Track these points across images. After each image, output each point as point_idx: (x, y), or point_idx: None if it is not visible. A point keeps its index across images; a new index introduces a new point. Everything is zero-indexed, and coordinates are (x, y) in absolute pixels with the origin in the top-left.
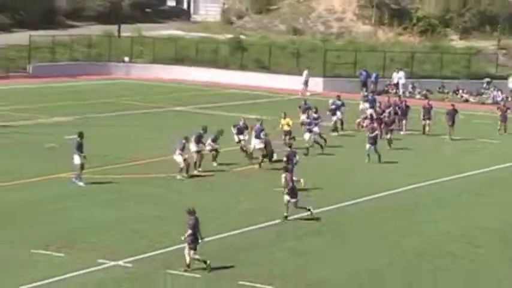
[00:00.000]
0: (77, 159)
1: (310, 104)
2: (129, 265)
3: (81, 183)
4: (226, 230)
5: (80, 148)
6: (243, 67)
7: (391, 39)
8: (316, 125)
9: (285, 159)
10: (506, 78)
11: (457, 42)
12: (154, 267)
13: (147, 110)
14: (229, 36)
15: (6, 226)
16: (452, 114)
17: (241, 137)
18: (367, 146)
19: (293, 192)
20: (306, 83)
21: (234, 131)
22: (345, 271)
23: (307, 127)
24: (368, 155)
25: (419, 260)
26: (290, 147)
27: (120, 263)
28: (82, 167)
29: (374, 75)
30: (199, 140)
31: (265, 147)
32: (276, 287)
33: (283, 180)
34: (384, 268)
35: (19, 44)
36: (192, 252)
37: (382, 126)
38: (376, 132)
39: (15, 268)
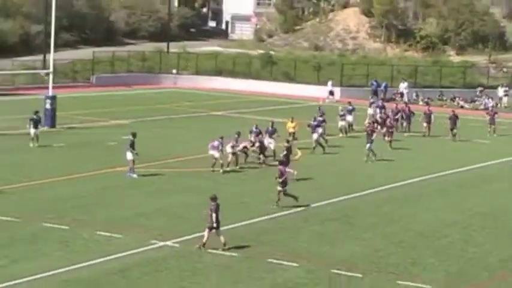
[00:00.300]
0: (129, 156)
1: (323, 110)
2: (176, 245)
3: (134, 175)
4: (259, 215)
5: (132, 146)
6: (272, 78)
7: (397, 54)
8: (320, 126)
9: (284, 153)
10: (495, 87)
11: (454, 57)
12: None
13: (192, 115)
14: (261, 52)
15: (74, 211)
16: (454, 119)
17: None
18: (367, 145)
19: (284, 182)
20: (331, 92)
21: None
22: (362, 250)
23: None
24: (368, 154)
25: (424, 239)
26: (288, 142)
27: (168, 243)
28: (133, 162)
29: (383, 85)
30: (236, 141)
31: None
32: (300, 265)
33: (278, 171)
34: (394, 246)
35: (84, 59)
36: (207, 232)
37: (384, 129)
38: (374, 133)
39: (82, 246)
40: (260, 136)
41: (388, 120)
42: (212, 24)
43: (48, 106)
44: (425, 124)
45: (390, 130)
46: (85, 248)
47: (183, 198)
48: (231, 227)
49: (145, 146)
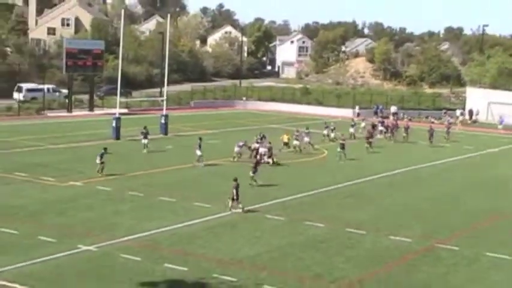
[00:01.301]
0: (198, 152)
1: (330, 125)
2: (244, 212)
3: (201, 164)
4: (299, 192)
5: (200, 146)
6: (308, 103)
7: (391, 87)
8: (307, 135)
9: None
10: (454, 109)
11: (427, 90)
12: (259, 213)
13: (255, 127)
14: (300, 85)
15: (179, 189)
16: (431, 131)
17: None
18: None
19: (255, 168)
20: (357, 114)
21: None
22: (366, 216)
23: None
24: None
25: (407, 209)
26: (270, 143)
27: (239, 210)
28: (201, 156)
29: (381, 107)
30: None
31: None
32: (325, 225)
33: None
34: (387, 214)
35: (186, 90)
36: (230, 202)
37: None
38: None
39: (184, 212)
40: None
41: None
42: (269, 67)
43: (162, 121)
44: (404, 134)
45: (369, 140)
46: (186, 213)
47: (242, 181)
48: (281, 200)
49: (224, 145)
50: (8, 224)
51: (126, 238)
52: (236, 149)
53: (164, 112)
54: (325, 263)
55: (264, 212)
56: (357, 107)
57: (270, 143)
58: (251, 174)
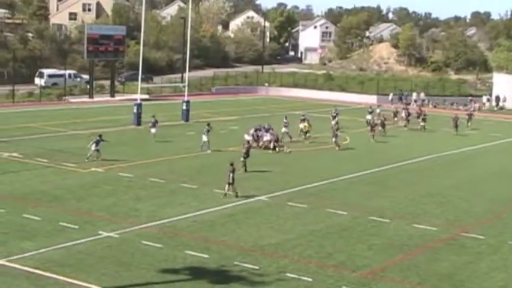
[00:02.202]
0: (204, 138)
1: (338, 111)
2: (267, 199)
3: (208, 151)
4: (321, 180)
5: (208, 132)
6: (330, 89)
7: (415, 74)
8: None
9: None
10: (480, 96)
11: (452, 76)
12: (281, 200)
13: (277, 113)
14: (323, 72)
15: (201, 176)
16: (456, 119)
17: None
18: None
19: (246, 153)
20: (391, 100)
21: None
22: (389, 204)
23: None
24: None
25: (430, 197)
26: (270, 128)
27: (262, 198)
28: (208, 142)
29: (405, 94)
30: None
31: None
32: (348, 213)
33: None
34: (410, 202)
35: (207, 76)
36: (227, 186)
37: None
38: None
39: (205, 198)
40: (261, 132)
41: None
42: (291, 53)
43: (184, 107)
44: (422, 124)
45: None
46: (207, 200)
47: (269, 167)
48: (303, 188)
49: (245, 131)
50: (31, 210)
51: (147, 225)
52: (246, 136)
53: (185, 98)
54: (347, 251)
55: (286, 200)
56: (391, 94)
57: (272, 129)
58: (242, 159)
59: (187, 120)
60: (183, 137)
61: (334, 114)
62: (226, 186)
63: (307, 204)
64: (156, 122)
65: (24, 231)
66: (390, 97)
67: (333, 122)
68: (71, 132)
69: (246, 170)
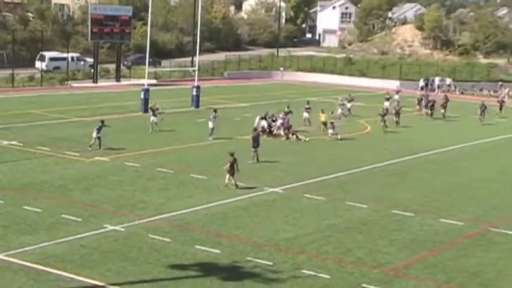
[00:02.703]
0: (210, 124)
1: (391, 95)
2: (282, 191)
3: (210, 138)
4: (341, 171)
5: (215, 118)
6: (350, 74)
7: (441, 58)
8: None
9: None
10: None
11: (482, 60)
12: (297, 192)
13: (293, 99)
14: (343, 55)
15: (211, 166)
16: (483, 107)
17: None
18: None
19: (255, 142)
20: (421, 88)
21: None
22: (413, 196)
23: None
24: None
25: (458, 189)
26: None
27: (277, 189)
28: (213, 129)
29: (431, 79)
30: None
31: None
32: (368, 206)
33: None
34: (437, 194)
35: (219, 60)
36: (228, 177)
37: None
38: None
39: (216, 190)
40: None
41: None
42: (309, 35)
43: (194, 93)
44: (442, 111)
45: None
46: (218, 192)
47: (286, 158)
48: (320, 179)
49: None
50: (31, 202)
51: (155, 218)
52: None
53: (196, 83)
54: (368, 247)
55: (303, 192)
56: (422, 80)
57: (286, 114)
58: (252, 149)
59: (197, 106)
60: (192, 125)
61: (341, 102)
62: (227, 176)
63: (325, 197)
64: (157, 109)
65: (24, 224)
66: (421, 83)
67: (339, 111)
68: (74, 119)
69: (258, 160)
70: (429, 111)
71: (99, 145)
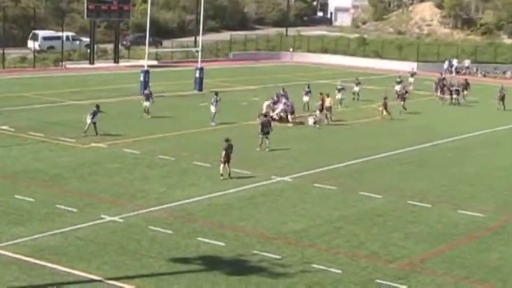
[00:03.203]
0: (212, 109)
1: (403, 78)
2: (290, 180)
3: (213, 124)
4: (353, 158)
5: (216, 102)
6: (365, 55)
7: (462, 38)
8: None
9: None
10: None
11: (506, 40)
12: (306, 181)
13: (303, 82)
14: (356, 35)
15: (215, 153)
16: (502, 92)
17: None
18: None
19: (263, 128)
20: (447, 69)
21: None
22: (431, 186)
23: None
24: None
25: (479, 178)
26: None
27: (286, 178)
28: (215, 114)
29: (452, 61)
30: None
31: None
32: (382, 196)
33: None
34: (456, 183)
35: (224, 40)
36: (222, 166)
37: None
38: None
39: (220, 179)
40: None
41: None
42: (320, 14)
43: (197, 75)
44: (454, 95)
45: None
46: (223, 181)
47: (298, 145)
48: (331, 167)
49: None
50: (23, 191)
51: (155, 208)
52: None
53: (199, 65)
54: (382, 240)
55: (313, 181)
56: (447, 62)
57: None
58: (260, 135)
59: (200, 89)
60: (195, 109)
61: (340, 87)
62: (221, 165)
63: (336, 186)
64: (151, 93)
65: (16, 214)
66: (446, 65)
67: (339, 96)
68: (69, 102)
69: (265, 147)
70: (448, 97)
71: (95, 131)
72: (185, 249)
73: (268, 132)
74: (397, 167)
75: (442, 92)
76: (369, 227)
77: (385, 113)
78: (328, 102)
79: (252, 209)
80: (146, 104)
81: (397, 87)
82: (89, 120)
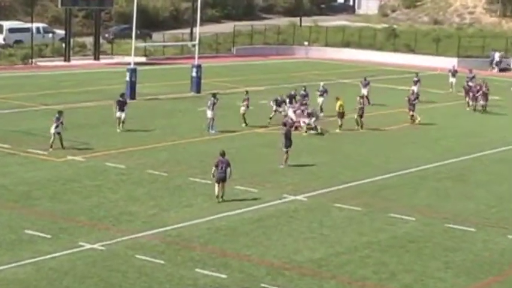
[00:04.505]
0: (208, 113)
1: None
2: (306, 199)
3: (212, 131)
4: (382, 173)
5: (213, 105)
6: (394, 50)
7: None
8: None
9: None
10: None
11: None
12: (325, 201)
13: (321, 82)
14: (384, 25)
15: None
16: None
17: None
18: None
19: (288, 139)
20: (496, 63)
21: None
22: (474, 206)
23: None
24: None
25: None
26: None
27: (300, 197)
28: (213, 119)
29: (496, 56)
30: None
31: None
32: (417, 219)
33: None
34: (505, 203)
35: (226, 32)
36: (216, 186)
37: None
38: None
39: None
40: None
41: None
42: (340, 0)
43: (194, 74)
44: (481, 102)
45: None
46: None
47: (314, 158)
48: (355, 184)
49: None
50: None
51: (144, 233)
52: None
53: (196, 62)
54: (417, 271)
55: (333, 200)
56: (497, 54)
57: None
58: (284, 149)
59: (198, 91)
60: (192, 115)
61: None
62: (216, 186)
63: (361, 207)
64: (125, 102)
65: None
66: (497, 58)
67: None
68: (41, 107)
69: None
70: (475, 102)
71: (61, 143)
72: (180, 283)
73: (290, 145)
74: (434, 183)
75: (468, 95)
76: (401, 255)
77: (418, 118)
78: (337, 106)
79: (260, 234)
80: (120, 115)
81: (414, 88)
82: (52, 130)
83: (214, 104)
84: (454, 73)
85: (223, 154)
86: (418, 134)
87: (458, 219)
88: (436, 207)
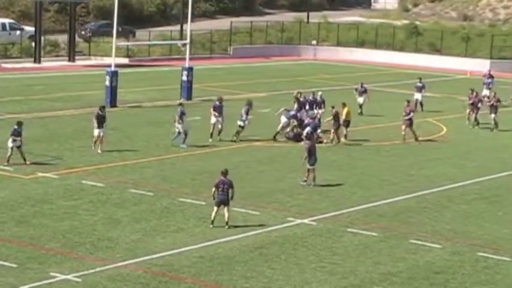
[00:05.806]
0: (178, 127)
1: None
2: (314, 223)
3: (183, 146)
4: (400, 194)
5: (181, 117)
6: (417, 50)
7: None
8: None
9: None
10: None
11: None
12: (336, 225)
13: (331, 88)
14: (405, 22)
15: (209, 185)
16: None
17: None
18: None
19: (312, 152)
20: None
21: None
22: (511, 232)
23: None
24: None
25: None
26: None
27: (307, 221)
28: (186, 133)
29: None
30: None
31: None
32: (443, 246)
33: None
34: None
35: (222, 29)
36: (215, 210)
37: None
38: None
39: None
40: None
41: None
42: None
43: (184, 78)
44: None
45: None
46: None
47: (322, 175)
48: (371, 206)
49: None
50: None
51: (125, 262)
52: (284, 119)
53: (187, 64)
54: None
55: (345, 224)
56: None
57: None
58: (308, 166)
59: (189, 97)
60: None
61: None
62: (215, 209)
63: (378, 232)
64: (104, 117)
65: None
66: None
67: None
68: (6, 116)
69: (314, 182)
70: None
71: (23, 158)
72: None
73: (315, 162)
74: (463, 205)
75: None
76: (426, 287)
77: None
78: (344, 113)
79: (262, 264)
80: (98, 132)
81: (418, 96)
82: (10, 144)
83: (183, 114)
84: (490, 77)
85: (225, 173)
86: (444, 148)
87: (491, 247)
88: (465, 233)
